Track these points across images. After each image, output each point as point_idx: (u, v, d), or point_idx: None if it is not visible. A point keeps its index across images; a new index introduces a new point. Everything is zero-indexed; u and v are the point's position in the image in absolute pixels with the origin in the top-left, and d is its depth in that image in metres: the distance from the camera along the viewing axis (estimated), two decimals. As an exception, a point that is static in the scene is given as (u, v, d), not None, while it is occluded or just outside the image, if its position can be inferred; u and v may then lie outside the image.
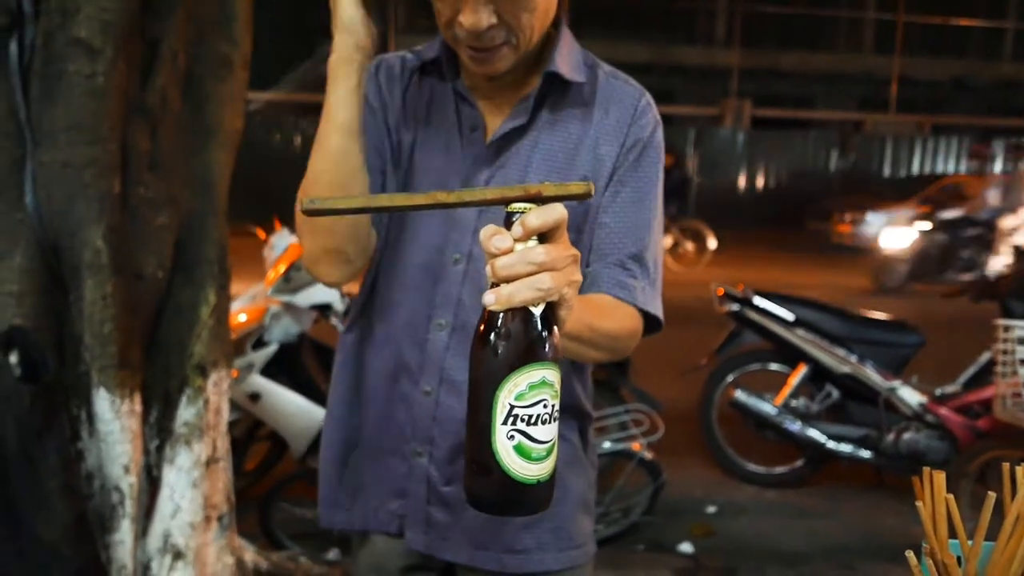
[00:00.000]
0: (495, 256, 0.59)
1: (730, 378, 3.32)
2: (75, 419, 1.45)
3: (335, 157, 0.84)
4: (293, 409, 2.47)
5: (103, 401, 1.44)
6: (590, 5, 14.91)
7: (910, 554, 0.52)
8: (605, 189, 0.90)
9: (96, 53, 1.40)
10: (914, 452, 2.94)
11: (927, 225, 7.99)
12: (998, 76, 17.15)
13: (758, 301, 3.16)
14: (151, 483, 1.55)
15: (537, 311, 0.60)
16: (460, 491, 0.90)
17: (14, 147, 1.40)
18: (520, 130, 0.90)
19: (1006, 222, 7.55)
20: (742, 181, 14.84)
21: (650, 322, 0.92)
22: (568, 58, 0.90)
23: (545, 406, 0.60)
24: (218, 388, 1.63)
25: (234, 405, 2.25)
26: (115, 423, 1.44)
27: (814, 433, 3.07)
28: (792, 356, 3.20)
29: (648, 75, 16.00)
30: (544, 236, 0.60)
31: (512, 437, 0.59)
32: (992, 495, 0.53)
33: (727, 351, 3.33)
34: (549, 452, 0.61)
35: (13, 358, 1.33)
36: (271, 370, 2.50)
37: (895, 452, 2.97)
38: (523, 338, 0.59)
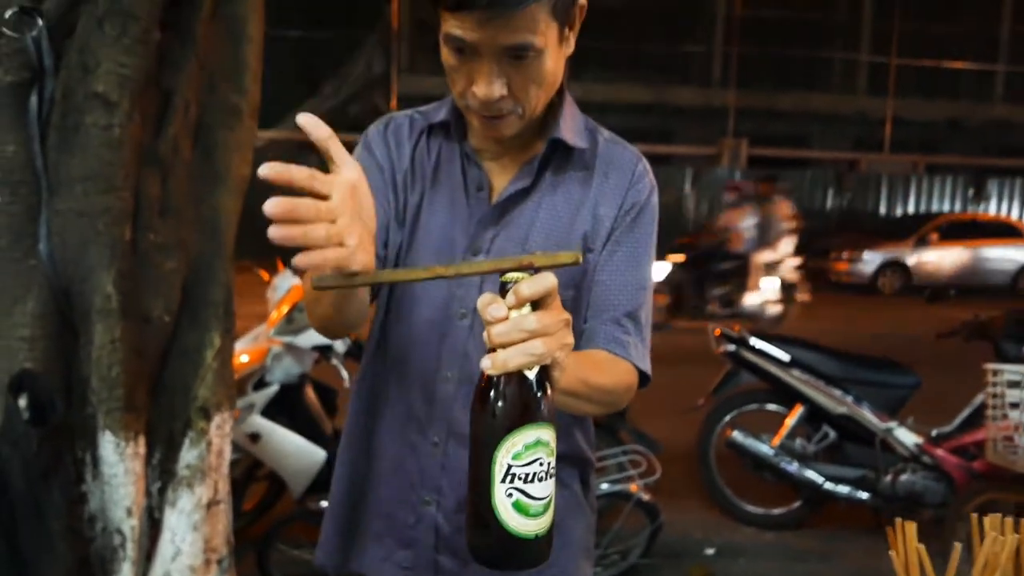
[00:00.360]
0: (491, 323, 0.63)
1: (728, 418, 3.34)
2: (80, 462, 1.47)
3: (335, 302, 0.84)
4: (292, 449, 2.48)
5: (108, 444, 1.46)
6: (590, 48, 15.23)
7: (882, 604, 0.55)
8: (603, 248, 0.95)
9: (113, 106, 1.46)
10: (911, 493, 2.94)
11: (679, 259, 7.68)
12: (990, 117, 17.44)
13: (754, 342, 3.20)
14: (152, 525, 1.56)
15: (531, 374, 0.63)
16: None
17: (30, 195, 1.45)
18: (524, 192, 0.94)
19: (761, 256, 7.46)
20: (740, 219, 14.95)
21: (642, 377, 0.95)
22: (571, 124, 0.95)
23: (541, 464, 0.63)
24: (221, 430, 1.66)
25: (234, 445, 2.26)
26: (119, 466, 1.47)
27: (811, 474, 3.08)
28: (789, 397, 3.22)
29: (647, 115, 16.28)
30: (537, 303, 0.63)
31: (510, 495, 0.63)
32: (958, 545, 0.57)
33: (724, 391, 3.35)
34: (546, 507, 0.64)
35: (22, 402, 1.36)
36: (271, 410, 2.52)
37: (892, 493, 2.98)
38: (518, 401, 0.63)
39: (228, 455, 1.70)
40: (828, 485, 3.07)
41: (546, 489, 0.64)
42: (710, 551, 3.02)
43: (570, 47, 0.90)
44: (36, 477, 1.35)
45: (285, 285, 2.64)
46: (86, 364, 1.46)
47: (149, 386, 1.58)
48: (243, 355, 2.50)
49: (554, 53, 0.86)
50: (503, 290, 0.64)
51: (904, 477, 2.98)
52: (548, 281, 0.63)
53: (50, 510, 1.35)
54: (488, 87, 0.84)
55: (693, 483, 3.44)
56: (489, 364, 0.62)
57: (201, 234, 1.70)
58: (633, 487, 2.56)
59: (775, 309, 7.59)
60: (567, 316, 0.66)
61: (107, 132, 1.46)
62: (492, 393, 0.63)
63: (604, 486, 2.52)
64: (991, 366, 2.01)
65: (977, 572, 0.59)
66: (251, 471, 2.71)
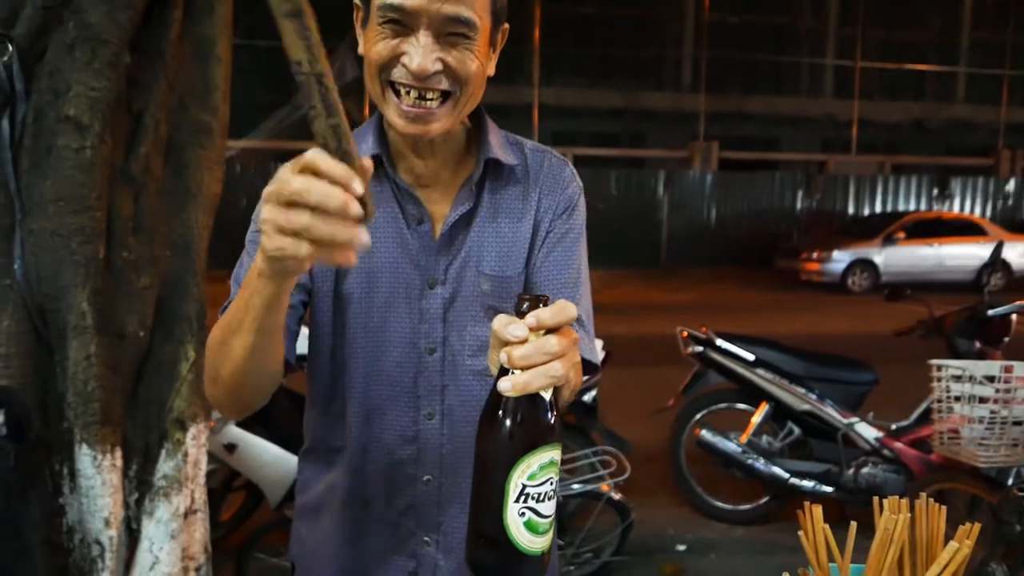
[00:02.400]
0: (510, 344, 0.62)
1: (697, 418, 3.43)
2: (57, 475, 1.51)
3: (247, 354, 0.76)
4: (269, 459, 2.52)
5: (85, 457, 1.50)
6: (563, 54, 15.37)
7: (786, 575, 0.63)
8: (538, 252, 0.96)
9: (85, 128, 1.50)
10: (872, 486, 3.05)
11: None
12: (953, 117, 17.91)
13: (720, 342, 3.29)
14: (130, 535, 1.60)
15: (547, 395, 0.64)
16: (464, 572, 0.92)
17: (4, 216, 1.49)
18: (467, 216, 0.93)
19: None
20: (711, 221, 15.19)
21: (588, 366, 0.95)
22: (498, 142, 0.96)
23: (551, 484, 0.64)
24: (197, 441, 1.70)
25: (210, 456, 2.30)
26: (96, 478, 1.50)
27: (777, 470, 3.18)
28: (755, 395, 3.32)
29: (619, 119, 16.47)
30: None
31: (523, 514, 0.63)
32: (854, 524, 0.64)
33: (692, 391, 3.44)
34: (551, 525, 0.66)
35: (0, 417, 1.40)
36: (247, 421, 2.56)
37: (855, 486, 3.08)
38: (535, 422, 0.63)
39: (204, 465, 1.74)
40: (794, 480, 3.17)
41: (553, 507, 0.65)
42: (681, 547, 3.10)
43: (492, 67, 0.89)
44: (14, 491, 1.38)
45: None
46: (62, 380, 1.50)
47: (125, 400, 1.61)
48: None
49: (483, 51, 0.85)
50: (518, 312, 0.64)
51: (866, 470, 3.09)
52: (571, 312, 0.64)
53: (29, 523, 1.38)
54: (423, 59, 0.80)
55: (664, 481, 3.53)
56: (509, 386, 0.62)
57: (174, 250, 1.75)
58: (604, 486, 2.63)
59: None
60: (576, 336, 0.67)
61: (79, 154, 1.50)
62: (507, 414, 0.63)
63: (576, 486, 2.59)
64: (935, 362, 2.11)
65: (875, 544, 0.67)
66: (228, 481, 2.74)
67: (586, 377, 0.97)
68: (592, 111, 15.44)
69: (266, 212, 0.62)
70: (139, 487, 1.62)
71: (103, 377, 1.52)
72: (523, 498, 0.63)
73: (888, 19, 16.96)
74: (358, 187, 0.60)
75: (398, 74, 0.83)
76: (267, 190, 0.62)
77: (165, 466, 1.62)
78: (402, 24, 0.81)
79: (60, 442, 1.50)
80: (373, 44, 0.83)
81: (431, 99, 0.84)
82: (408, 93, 0.83)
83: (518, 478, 0.63)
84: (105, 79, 1.53)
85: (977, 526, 0.66)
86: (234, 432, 2.50)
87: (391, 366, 0.92)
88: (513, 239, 0.95)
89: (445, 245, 0.93)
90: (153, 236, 1.71)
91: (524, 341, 0.62)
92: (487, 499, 0.64)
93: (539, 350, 0.62)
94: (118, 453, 1.54)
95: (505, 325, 0.63)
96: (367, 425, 0.93)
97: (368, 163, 0.63)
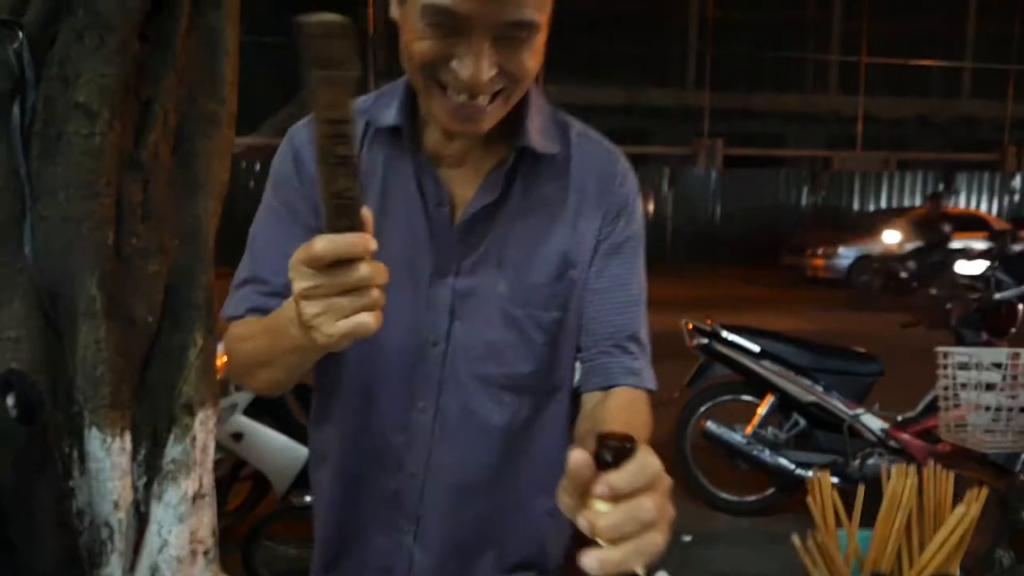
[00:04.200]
0: (593, 503, 0.52)
1: (702, 410, 3.43)
2: (67, 458, 1.52)
3: (278, 377, 0.79)
4: (276, 448, 2.53)
5: (95, 440, 1.51)
6: (567, 50, 15.37)
7: (795, 537, 0.63)
8: (590, 264, 0.86)
9: (94, 115, 1.51)
10: (878, 477, 3.05)
11: None
12: (958, 113, 17.85)
13: (725, 334, 3.29)
14: (139, 518, 1.61)
15: (641, 569, 0.53)
16: (440, 573, 0.89)
17: (15, 202, 1.50)
18: (492, 207, 0.83)
19: None
20: (716, 218, 15.18)
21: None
22: (539, 125, 0.84)
23: None
24: (205, 426, 1.71)
25: (217, 445, 2.31)
26: (106, 461, 1.52)
27: (783, 461, 3.18)
28: (760, 387, 3.32)
29: (623, 116, 16.45)
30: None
31: None
32: (862, 487, 0.64)
33: (698, 384, 3.45)
34: None
35: (10, 400, 1.41)
36: (253, 410, 2.57)
37: (861, 477, 3.08)
38: None
39: (212, 450, 1.75)
40: (799, 471, 3.17)
41: None
42: (687, 538, 3.10)
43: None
44: (25, 473, 1.40)
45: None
46: (71, 364, 1.51)
47: (134, 385, 1.63)
48: (225, 355, 2.54)
49: (541, 41, 0.75)
50: (597, 458, 0.53)
51: (871, 461, 3.09)
52: (654, 468, 0.53)
53: (39, 504, 1.39)
54: (477, 68, 0.70)
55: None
56: (596, 565, 0.51)
57: (182, 238, 1.76)
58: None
59: None
60: (669, 482, 0.55)
61: (88, 140, 1.51)
62: None
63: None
64: (942, 349, 2.12)
65: (884, 509, 0.67)
66: (235, 470, 2.76)
67: None
68: (596, 108, 15.42)
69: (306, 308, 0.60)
70: (148, 471, 1.63)
71: (112, 362, 1.53)
72: None
73: (893, 13, 16.89)
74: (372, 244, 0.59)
75: (447, 78, 0.73)
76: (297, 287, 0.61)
77: (173, 450, 1.63)
78: (453, 27, 0.70)
79: (70, 425, 1.51)
80: (417, 39, 0.72)
81: (482, 100, 0.74)
82: (458, 95, 0.73)
83: None
84: (114, 66, 1.54)
85: (985, 490, 0.66)
86: (241, 421, 2.52)
87: (392, 350, 0.85)
88: (545, 240, 0.84)
89: (463, 234, 0.83)
90: (162, 224, 1.72)
91: (609, 498, 0.51)
92: None
93: (633, 519, 0.51)
94: (127, 437, 1.55)
95: (588, 479, 0.52)
96: (364, 405, 0.89)
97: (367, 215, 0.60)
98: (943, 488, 0.69)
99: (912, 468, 0.69)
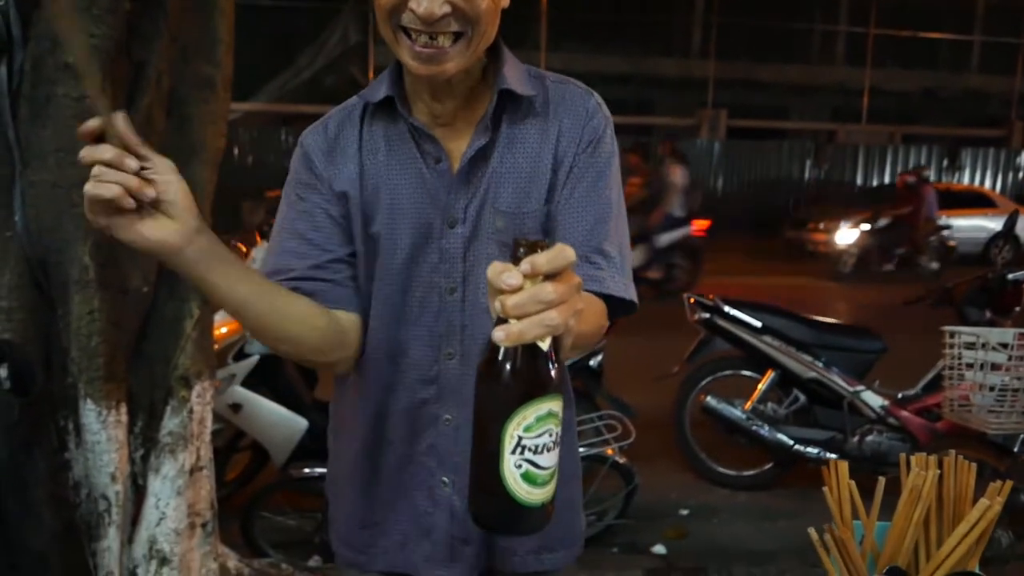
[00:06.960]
0: (505, 293, 0.59)
1: (702, 384, 3.42)
2: (62, 430, 1.50)
3: (263, 326, 0.87)
4: (274, 419, 2.52)
5: (90, 412, 1.49)
6: (570, 19, 15.10)
7: (812, 531, 0.61)
8: (562, 188, 0.93)
9: (83, 77, 1.46)
10: (877, 453, 3.05)
11: None
12: (966, 87, 17.59)
13: (727, 309, 3.26)
14: (137, 491, 1.60)
15: (544, 345, 0.61)
16: None
17: (3, 167, 1.46)
18: (484, 150, 0.91)
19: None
20: (718, 190, 15.06)
21: (627, 305, 0.95)
22: (516, 75, 0.93)
23: (550, 435, 0.62)
24: (202, 398, 1.69)
25: (216, 416, 2.30)
26: (102, 433, 1.50)
27: (782, 437, 3.18)
28: (761, 362, 3.30)
29: (626, 86, 16.22)
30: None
31: (520, 466, 0.62)
32: (882, 479, 0.62)
33: (698, 358, 3.43)
34: (552, 476, 0.65)
35: (2, 371, 1.38)
36: (252, 381, 2.55)
37: (859, 454, 3.08)
38: (531, 373, 0.61)
39: (210, 422, 1.73)
40: (798, 447, 3.17)
41: (553, 459, 0.64)
42: (685, 512, 3.12)
43: None
44: (18, 446, 1.37)
45: (263, 257, 2.65)
46: (65, 335, 1.48)
47: (128, 356, 1.60)
48: (223, 326, 2.51)
49: None
50: (514, 258, 0.61)
51: (871, 438, 3.08)
52: (569, 256, 0.61)
53: (34, 477, 1.38)
54: (430, 3, 0.80)
55: (668, 447, 3.53)
56: (503, 336, 0.59)
57: (177, 206, 1.72)
58: (609, 450, 2.63)
59: None
60: (578, 280, 0.64)
61: (79, 103, 1.46)
62: (502, 365, 0.61)
63: (581, 450, 2.58)
64: (948, 328, 2.09)
65: (902, 502, 0.65)
66: (233, 441, 2.75)
67: (610, 322, 0.95)
68: (599, 77, 15.17)
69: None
70: (145, 443, 1.61)
71: (106, 332, 1.50)
72: (520, 450, 0.62)
73: (903, -15, 16.57)
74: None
75: (407, 19, 0.82)
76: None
77: (170, 423, 1.62)
78: None
79: (64, 397, 1.48)
80: None
81: (443, 40, 0.83)
82: (419, 36, 0.83)
83: (513, 430, 0.61)
84: (105, 25, 1.48)
85: (1009, 484, 0.63)
86: (239, 392, 2.50)
87: (414, 305, 0.93)
88: (531, 174, 0.93)
89: (463, 182, 0.92)
90: (156, 191, 1.68)
91: (520, 288, 0.59)
92: (484, 450, 0.63)
93: (534, 298, 0.59)
94: (123, 409, 1.53)
95: (499, 273, 0.60)
96: (391, 365, 0.95)
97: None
98: (964, 480, 0.67)
99: (932, 459, 0.66)
